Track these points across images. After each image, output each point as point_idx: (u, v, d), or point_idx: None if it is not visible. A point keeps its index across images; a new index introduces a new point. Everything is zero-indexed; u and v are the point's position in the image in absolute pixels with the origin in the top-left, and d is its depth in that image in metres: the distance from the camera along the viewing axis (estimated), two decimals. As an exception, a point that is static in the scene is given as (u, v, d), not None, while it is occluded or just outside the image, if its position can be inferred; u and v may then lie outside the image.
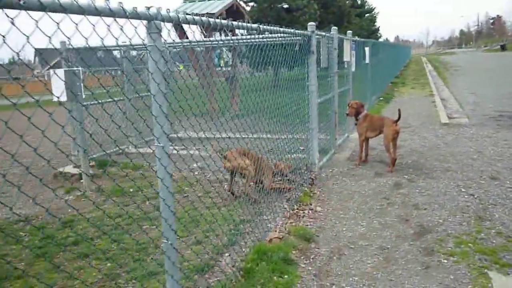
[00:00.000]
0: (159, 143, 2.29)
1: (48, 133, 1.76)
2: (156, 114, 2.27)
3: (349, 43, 7.87)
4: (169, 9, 2.30)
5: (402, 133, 8.65)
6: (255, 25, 3.61)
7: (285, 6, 19.98)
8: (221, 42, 5.98)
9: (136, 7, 2.10)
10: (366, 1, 40.32)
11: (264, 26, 3.76)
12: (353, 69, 8.55)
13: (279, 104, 5.46)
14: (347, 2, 30.99)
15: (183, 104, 2.87)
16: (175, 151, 6.60)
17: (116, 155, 7.73)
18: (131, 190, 5.79)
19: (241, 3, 19.54)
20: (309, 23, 5.59)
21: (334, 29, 6.91)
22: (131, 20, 2.10)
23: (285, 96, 5.80)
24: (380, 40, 42.34)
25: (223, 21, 2.85)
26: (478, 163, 6.33)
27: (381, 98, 14.01)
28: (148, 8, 2.21)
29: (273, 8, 19.33)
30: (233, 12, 11.62)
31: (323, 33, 6.20)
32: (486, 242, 3.90)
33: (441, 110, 11.45)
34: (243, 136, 6.65)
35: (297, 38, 5.26)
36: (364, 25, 30.62)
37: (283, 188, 5.20)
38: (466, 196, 5.04)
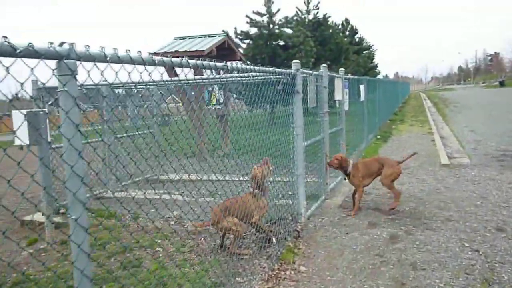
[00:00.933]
0: (72, 214, 1.77)
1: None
2: (68, 176, 1.76)
3: (340, 81, 7.46)
4: (88, 45, 1.83)
5: (399, 176, 8.14)
6: (220, 64, 3.16)
7: (281, 43, 19.81)
8: (192, 80, 5.53)
9: (32, 44, 1.63)
10: (364, 38, 40.63)
11: (234, 65, 3.31)
12: (346, 108, 8.11)
13: (266, 145, 5.11)
14: (345, 39, 31.09)
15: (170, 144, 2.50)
16: (157, 196, 6.11)
17: (96, 199, 7.21)
18: (99, 243, 5.22)
19: (236, 40, 19.45)
20: (293, 61, 5.17)
21: (323, 67, 6.51)
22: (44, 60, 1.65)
23: (272, 137, 5.37)
24: (379, 76, 42.48)
25: (165, 59, 2.37)
26: (482, 211, 5.77)
27: (378, 137, 13.55)
28: (61, 44, 1.75)
29: (269, 45, 19.15)
30: (224, 49, 11.32)
31: (310, 71, 5.78)
32: (496, 313, 3.32)
33: (441, 149, 10.94)
34: (232, 179, 6.21)
35: (279, 76, 4.81)
36: (361, 62, 30.54)
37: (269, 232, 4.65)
38: (470, 253, 4.46)
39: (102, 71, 1.95)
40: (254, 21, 19.71)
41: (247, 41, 19.95)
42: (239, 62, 14.57)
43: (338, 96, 7.33)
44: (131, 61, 2.10)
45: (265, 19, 19.83)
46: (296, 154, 5.20)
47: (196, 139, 9.21)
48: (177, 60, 2.54)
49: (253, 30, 19.84)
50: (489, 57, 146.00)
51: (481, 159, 9.67)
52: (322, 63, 19.20)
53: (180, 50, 10.44)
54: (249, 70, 3.69)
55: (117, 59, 2.00)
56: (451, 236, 4.92)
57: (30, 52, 1.54)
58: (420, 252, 4.52)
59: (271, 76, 4.85)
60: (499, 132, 14.21)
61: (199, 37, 11.38)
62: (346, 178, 6.13)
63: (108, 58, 1.94)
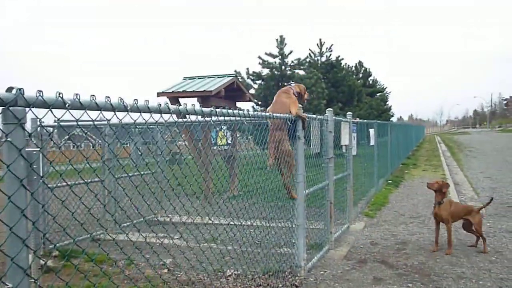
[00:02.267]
0: (9, 282, 1.53)
1: None
2: (7, 237, 1.53)
3: (347, 125, 7.24)
4: (41, 91, 1.64)
5: (409, 225, 7.77)
6: (207, 110, 2.98)
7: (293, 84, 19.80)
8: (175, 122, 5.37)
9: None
10: (378, 81, 40.72)
11: (220, 110, 3.14)
12: (354, 153, 7.86)
13: (275, 187, 5.12)
14: (358, 81, 31.13)
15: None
16: (153, 240, 5.85)
17: (91, 241, 6.95)
18: (85, 291, 4.94)
19: (248, 80, 19.52)
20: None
21: (329, 111, 6.31)
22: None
23: (273, 182, 5.17)
24: (393, 119, 42.24)
25: (139, 104, 2.19)
26: (497, 268, 5.38)
27: (389, 182, 13.18)
28: (10, 90, 1.57)
29: (281, 86, 19.15)
30: (233, 89, 11.26)
31: (314, 116, 5.58)
32: None
33: (454, 197, 10.53)
34: (236, 223, 5.94)
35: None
36: (374, 104, 30.40)
37: None
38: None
39: (58, 118, 1.76)
40: (266, 62, 19.82)
41: (259, 81, 19.99)
42: (249, 103, 14.42)
43: (345, 141, 7.09)
44: (96, 107, 1.93)
45: (277, 60, 19.94)
46: (297, 203, 4.93)
47: (202, 180, 9.01)
48: (154, 105, 2.37)
49: (265, 71, 19.91)
50: (505, 101, 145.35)
51: (496, 208, 9.24)
52: (334, 105, 18.97)
53: (187, 90, 10.40)
54: (236, 115, 3.50)
55: (79, 105, 1.82)
56: (463, 297, 4.55)
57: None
58: (428, 315, 4.15)
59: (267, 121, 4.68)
60: (516, 180, 13.75)
61: (208, 77, 11.36)
62: (437, 205, 6.28)
63: (67, 105, 1.76)
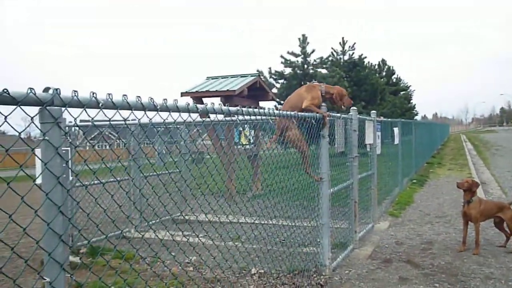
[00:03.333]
0: (46, 276, 1.59)
1: None
2: (45, 232, 1.59)
3: (372, 124, 7.18)
4: (76, 91, 1.70)
5: (435, 225, 7.67)
6: (234, 109, 3.01)
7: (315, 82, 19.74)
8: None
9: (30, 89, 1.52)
10: (401, 79, 40.18)
11: (240, 109, 3.17)
12: (378, 152, 7.80)
13: (300, 187, 5.10)
14: (381, 80, 30.79)
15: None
16: (178, 238, 5.93)
17: (117, 238, 7.08)
18: None
19: (271, 79, 19.53)
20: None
21: (353, 109, 6.28)
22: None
23: (303, 179, 5.19)
24: (417, 117, 41.66)
25: (157, 102, 2.23)
26: (526, 268, 5.27)
27: (414, 181, 13.02)
28: (47, 90, 1.63)
29: (302, 85, 19.13)
30: (255, 89, 11.29)
31: (338, 114, 5.57)
32: None
33: (481, 195, 10.33)
34: (261, 222, 5.98)
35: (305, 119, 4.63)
36: (398, 103, 30.04)
37: None
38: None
39: (93, 118, 1.82)
40: (288, 61, 19.80)
41: (281, 81, 19.99)
42: (272, 102, 14.44)
43: (369, 140, 7.04)
44: (129, 107, 1.98)
45: (299, 59, 19.91)
46: (321, 202, 4.93)
47: (226, 179, 9.06)
48: (183, 105, 2.41)
49: (288, 70, 19.90)
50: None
51: (525, 208, 9.03)
52: (357, 104, 18.84)
53: (211, 90, 10.48)
54: (262, 114, 3.52)
55: (112, 105, 1.88)
56: (492, 298, 4.47)
57: (6, 99, 1.42)
58: (455, 315, 4.09)
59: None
60: (546, 179, 13.42)
61: (231, 77, 11.43)
62: (466, 204, 6.16)
63: (100, 104, 1.82)
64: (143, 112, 2.24)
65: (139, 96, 2.18)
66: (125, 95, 2.07)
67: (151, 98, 2.28)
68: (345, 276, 5.15)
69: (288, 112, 4.37)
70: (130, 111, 2.12)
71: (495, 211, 6.15)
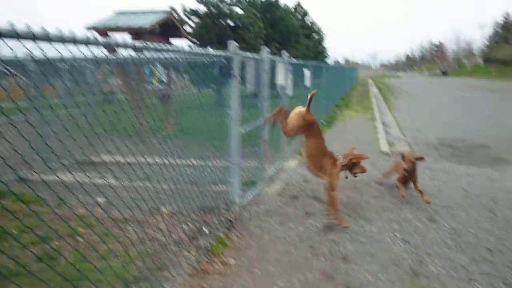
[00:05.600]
0: None
1: None
2: None
3: (283, 65, 7.26)
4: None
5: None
6: (140, 44, 2.86)
7: (231, 23, 19.38)
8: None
9: None
10: (315, 22, 40.68)
11: (147, 45, 3.02)
12: (290, 93, 7.95)
13: (211, 127, 5.09)
14: (296, 22, 30.95)
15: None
16: (86, 179, 5.73)
17: (17, 181, 6.69)
18: (15, 232, 4.81)
19: (184, 17, 18.82)
20: (232, 44, 4.90)
21: (265, 50, 6.27)
22: None
23: (210, 120, 5.17)
24: (328, 61, 42.85)
25: (53, 33, 2.06)
26: (416, 201, 5.82)
27: (323, 122, 13.58)
28: None
29: (218, 24, 18.69)
30: (168, 26, 10.83)
31: (249, 55, 5.54)
32: (421, 310, 3.29)
33: (382, 137, 11.10)
34: (171, 162, 5.93)
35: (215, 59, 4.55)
36: (311, 45, 30.59)
37: None
38: (401, 244, 4.46)
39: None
40: (203, -1, 19.15)
41: (195, 19, 19.35)
42: (184, 41, 13.93)
43: (280, 80, 7.14)
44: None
45: (215, -3, 19.32)
46: (231, 141, 4.98)
47: (136, 119, 8.80)
48: (82, 37, 2.24)
49: (202, 8, 19.26)
50: (434, 47, 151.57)
51: (420, 147, 9.87)
52: (271, 45, 18.78)
53: (121, 26, 9.89)
54: (171, 50, 3.40)
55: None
56: (384, 226, 4.92)
57: None
58: (352, 243, 4.46)
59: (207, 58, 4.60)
60: (440, 121, 14.67)
61: (142, 13, 10.82)
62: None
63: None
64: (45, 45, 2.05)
65: (29, 25, 1.98)
66: (12, 23, 1.87)
67: (43, 28, 2.08)
68: (254, 213, 5.35)
69: (199, 51, 4.26)
70: (18, 40, 1.92)
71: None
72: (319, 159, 4.80)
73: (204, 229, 4.54)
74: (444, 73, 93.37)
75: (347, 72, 34.49)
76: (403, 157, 5.73)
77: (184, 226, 4.72)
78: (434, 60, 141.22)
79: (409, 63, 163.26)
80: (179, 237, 4.49)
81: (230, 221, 4.86)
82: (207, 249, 4.16)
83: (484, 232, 4.79)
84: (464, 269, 3.92)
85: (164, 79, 10.77)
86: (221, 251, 4.20)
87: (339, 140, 10.68)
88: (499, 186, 6.61)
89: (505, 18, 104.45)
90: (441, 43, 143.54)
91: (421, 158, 5.88)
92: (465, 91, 34.99)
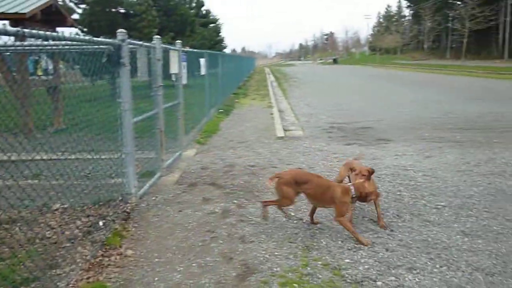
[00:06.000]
0: None
1: None
2: None
3: (176, 54, 7.21)
4: None
5: (237, 149, 8.32)
6: (13, 29, 2.68)
7: (122, 10, 18.66)
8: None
9: None
10: (210, 11, 40.67)
11: (35, 31, 2.85)
12: (184, 81, 7.92)
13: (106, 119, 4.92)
14: (191, 11, 30.67)
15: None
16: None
17: None
18: None
19: (71, 4, 17.75)
20: (118, 30, 4.76)
21: (156, 38, 6.18)
22: None
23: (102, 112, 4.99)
24: (225, 50, 43.18)
25: None
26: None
27: (221, 110, 13.72)
28: None
29: (108, 12, 17.88)
30: (51, 13, 10.14)
31: (140, 43, 5.43)
32: (312, 279, 3.53)
33: (277, 123, 11.51)
34: (60, 158, 5.63)
35: (103, 47, 4.40)
36: (207, 35, 30.56)
37: None
38: (295, 221, 4.72)
39: None
40: (91, -15, 18.18)
41: (82, 6, 18.34)
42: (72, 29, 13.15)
43: (174, 69, 7.08)
44: None
45: (104, -17, 18.43)
46: (124, 131, 4.87)
47: (21, 114, 8.19)
48: None
49: (90, -6, 18.30)
50: (325, 36, 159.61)
51: (312, 131, 10.42)
52: (166, 35, 18.39)
53: (-5, 11, 9.07)
54: (55, 38, 3.24)
55: None
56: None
57: None
58: (249, 225, 4.62)
59: (94, 46, 4.43)
60: (330, 106, 15.57)
61: (21, -3, 10.01)
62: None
63: None
64: None
65: None
66: None
67: None
68: (152, 202, 5.30)
69: (86, 37, 4.09)
70: None
71: None
72: (326, 195, 4.33)
73: (99, 223, 4.40)
74: (335, 61, 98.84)
75: (244, 61, 35.06)
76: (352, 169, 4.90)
77: (78, 222, 4.54)
78: (325, 49, 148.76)
79: (303, 52, 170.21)
80: (72, 234, 4.32)
81: (127, 212, 4.77)
82: (103, 243, 4.05)
83: (368, 205, 5.23)
84: (352, 240, 4.26)
85: (50, 69, 10.11)
86: (118, 243, 4.12)
87: (236, 129, 10.89)
88: (380, 163, 7.23)
89: (386, 9, 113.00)
90: (331, 33, 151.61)
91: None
92: (354, 78, 37.46)
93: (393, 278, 3.54)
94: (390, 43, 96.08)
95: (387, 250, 4.05)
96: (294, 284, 3.44)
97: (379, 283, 3.48)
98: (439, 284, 3.44)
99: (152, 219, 4.79)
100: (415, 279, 3.51)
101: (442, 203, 5.26)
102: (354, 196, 4.25)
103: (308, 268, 3.70)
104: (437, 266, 3.72)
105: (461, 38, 68.31)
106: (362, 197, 4.28)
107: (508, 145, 8.53)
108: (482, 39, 68.02)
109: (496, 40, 68.10)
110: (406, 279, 3.52)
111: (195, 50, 10.14)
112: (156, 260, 3.87)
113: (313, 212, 4.64)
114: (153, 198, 5.46)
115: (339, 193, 4.25)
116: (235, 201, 5.34)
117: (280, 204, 4.47)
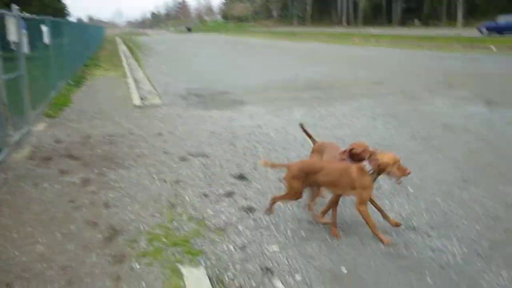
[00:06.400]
0: None
1: None
2: None
3: (14, 20, 6.61)
4: None
5: (93, 121, 8.04)
6: None
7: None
8: None
9: None
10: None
11: None
12: (25, 50, 7.31)
13: None
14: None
15: None
16: None
17: None
18: None
19: None
20: None
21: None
22: None
23: None
24: (71, 19, 40.00)
25: None
26: (169, 145, 6.31)
27: (71, 82, 12.91)
28: None
29: None
30: None
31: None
32: (179, 231, 3.75)
33: (134, 92, 11.28)
34: None
35: None
36: (47, 2, 27.97)
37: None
38: (158, 183, 4.85)
39: None
40: None
41: None
42: None
43: (13, 37, 6.50)
44: None
45: None
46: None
47: None
48: None
49: None
50: (178, 5, 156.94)
51: (170, 99, 10.46)
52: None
53: None
54: None
55: None
56: (142, 171, 5.22)
57: None
58: (113, 191, 4.62)
59: None
60: (187, 74, 15.68)
61: None
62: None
63: None
64: None
65: None
66: None
67: None
68: (2, 180, 4.95)
69: None
70: None
71: None
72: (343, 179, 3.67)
73: None
74: (189, 30, 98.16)
75: (93, 30, 32.96)
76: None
77: None
78: (179, 17, 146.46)
79: (156, 21, 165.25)
80: None
81: (-27, 193, 4.41)
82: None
83: (227, 162, 5.58)
84: (213, 194, 4.55)
85: None
86: (-34, 225, 3.83)
87: (90, 100, 10.43)
88: (236, 124, 7.66)
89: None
90: (184, 1, 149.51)
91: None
92: (207, 45, 37.85)
93: (251, 221, 3.94)
94: (242, 11, 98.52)
95: (246, 199, 4.44)
96: (163, 238, 3.62)
97: (240, 227, 3.84)
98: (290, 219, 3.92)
99: (5, 196, 4.49)
100: (271, 220, 3.96)
101: (292, 155, 5.85)
102: (372, 172, 3.54)
103: (174, 222, 3.91)
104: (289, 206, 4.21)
105: (305, 6, 73.18)
106: (381, 170, 3.54)
107: (347, 100, 9.66)
108: (323, 7, 73.90)
109: (336, 9, 74.52)
110: (263, 220, 3.95)
111: (36, 17, 9.30)
112: (15, 235, 3.70)
113: (335, 203, 3.84)
114: (3, 176, 5.08)
115: (355, 174, 3.57)
116: (96, 170, 5.25)
117: (288, 198, 3.93)
